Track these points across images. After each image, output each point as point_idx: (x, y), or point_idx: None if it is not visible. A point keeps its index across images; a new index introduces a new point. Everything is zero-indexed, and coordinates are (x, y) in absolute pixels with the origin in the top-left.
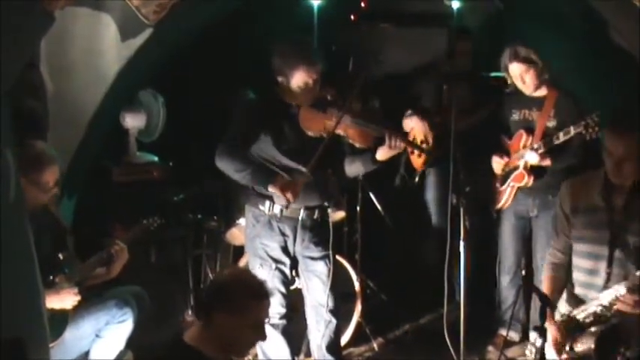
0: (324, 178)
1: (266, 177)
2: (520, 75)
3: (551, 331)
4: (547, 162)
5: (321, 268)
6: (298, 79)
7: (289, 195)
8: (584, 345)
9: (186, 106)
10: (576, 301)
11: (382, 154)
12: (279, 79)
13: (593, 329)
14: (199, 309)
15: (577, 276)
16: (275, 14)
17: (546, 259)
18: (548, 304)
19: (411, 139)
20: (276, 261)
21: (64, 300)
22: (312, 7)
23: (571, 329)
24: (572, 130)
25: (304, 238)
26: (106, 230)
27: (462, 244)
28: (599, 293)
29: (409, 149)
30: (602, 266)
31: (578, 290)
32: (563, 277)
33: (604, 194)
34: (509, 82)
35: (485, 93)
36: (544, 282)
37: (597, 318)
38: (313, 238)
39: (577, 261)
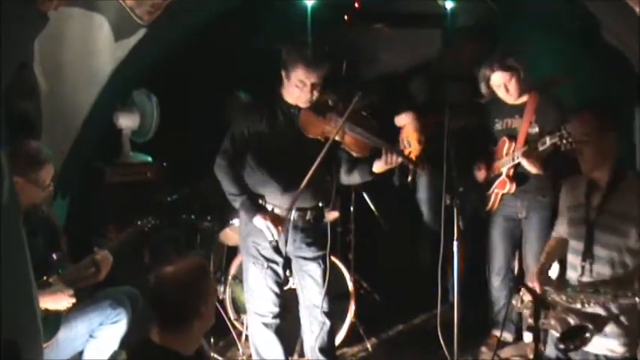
0: (319, 180)
1: (253, 209)
2: (504, 84)
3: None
4: (537, 169)
5: (315, 268)
6: (295, 76)
7: (273, 229)
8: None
9: (180, 106)
10: (558, 286)
11: (379, 167)
12: (283, 73)
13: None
14: (174, 322)
15: (567, 270)
16: (269, 15)
17: (552, 233)
18: (541, 304)
19: (403, 136)
20: (268, 260)
21: (58, 301)
22: (306, 8)
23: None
24: (548, 141)
25: (295, 239)
26: (100, 231)
27: (455, 244)
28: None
29: (403, 142)
30: (578, 261)
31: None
32: (560, 248)
33: (586, 192)
34: (485, 93)
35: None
36: (548, 243)
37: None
38: (306, 239)
39: (567, 255)
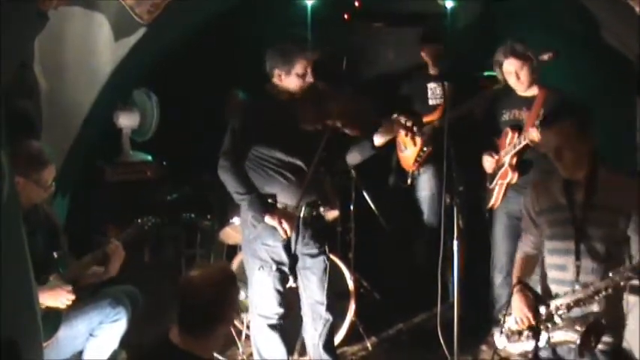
0: (320, 174)
1: (264, 207)
2: (515, 71)
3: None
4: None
5: (319, 264)
6: (297, 69)
7: (286, 225)
8: (565, 332)
9: (180, 105)
10: (550, 297)
11: (379, 139)
12: (277, 72)
13: (572, 315)
14: (199, 326)
15: (549, 273)
16: (269, 13)
17: (517, 254)
18: (542, 303)
19: (399, 140)
20: (278, 262)
21: (57, 298)
22: (306, 7)
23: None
24: None
25: (305, 235)
26: (100, 229)
27: (455, 243)
28: (570, 287)
29: (404, 133)
30: (571, 261)
31: (551, 286)
32: (533, 262)
33: (564, 192)
34: (500, 79)
35: (465, 91)
36: (516, 264)
37: (576, 304)
38: (313, 235)
39: (548, 258)
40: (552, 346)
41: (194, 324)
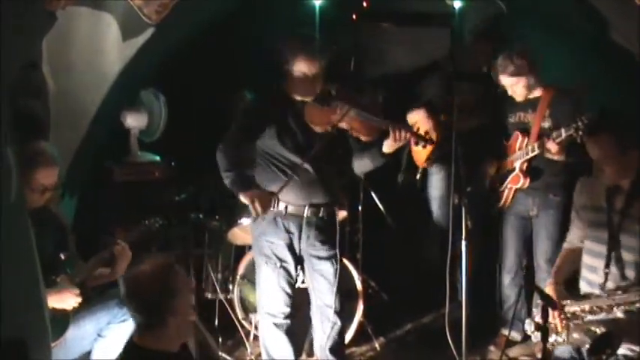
0: (329, 176)
1: (241, 185)
2: (510, 86)
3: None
4: (558, 155)
5: (328, 267)
6: (297, 68)
7: (257, 206)
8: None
9: (187, 105)
10: (579, 296)
11: (388, 146)
12: (285, 67)
13: (589, 318)
14: (153, 318)
15: (582, 271)
16: (277, 14)
17: (564, 244)
18: (550, 303)
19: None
20: (281, 260)
21: (65, 300)
22: (314, 7)
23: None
24: (564, 133)
25: (309, 236)
26: (108, 230)
27: (463, 243)
28: (597, 290)
29: (413, 141)
30: (601, 264)
31: (582, 285)
32: (578, 254)
33: (607, 195)
34: (500, 85)
35: (492, 93)
36: (560, 255)
37: (593, 311)
38: (319, 237)
39: (583, 257)
40: (576, 347)
41: (144, 319)
